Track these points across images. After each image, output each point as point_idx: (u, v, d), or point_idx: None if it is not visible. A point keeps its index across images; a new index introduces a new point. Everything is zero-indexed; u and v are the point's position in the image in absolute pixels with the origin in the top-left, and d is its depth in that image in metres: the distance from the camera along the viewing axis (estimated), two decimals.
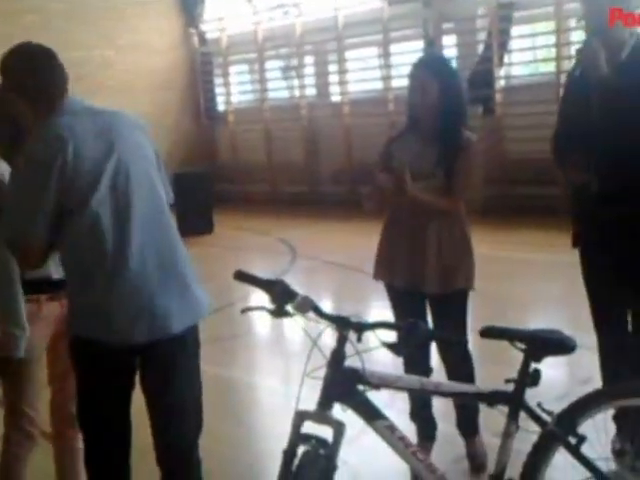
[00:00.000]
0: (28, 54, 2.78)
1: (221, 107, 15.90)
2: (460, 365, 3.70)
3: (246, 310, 2.72)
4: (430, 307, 3.71)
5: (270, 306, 2.64)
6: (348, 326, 2.55)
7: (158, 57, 15.44)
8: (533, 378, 2.62)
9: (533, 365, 2.62)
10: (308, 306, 2.56)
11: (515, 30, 11.59)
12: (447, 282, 3.61)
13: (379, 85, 13.31)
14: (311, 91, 14.51)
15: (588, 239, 3.65)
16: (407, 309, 3.62)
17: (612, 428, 3.63)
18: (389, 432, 2.61)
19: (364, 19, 12.92)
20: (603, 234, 3.53)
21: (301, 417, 2.54)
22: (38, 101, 2.74)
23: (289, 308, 2.58)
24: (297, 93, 14.50)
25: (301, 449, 2.52)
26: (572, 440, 2.67)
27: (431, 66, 3.65)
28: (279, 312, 2.61)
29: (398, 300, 3.75)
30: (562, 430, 2.66)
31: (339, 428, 2.51)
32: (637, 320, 3.61)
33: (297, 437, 2.53)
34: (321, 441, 2.52)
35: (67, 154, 2.60)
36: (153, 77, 15.37)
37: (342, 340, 2.55)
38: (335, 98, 13.97)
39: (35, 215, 2.62)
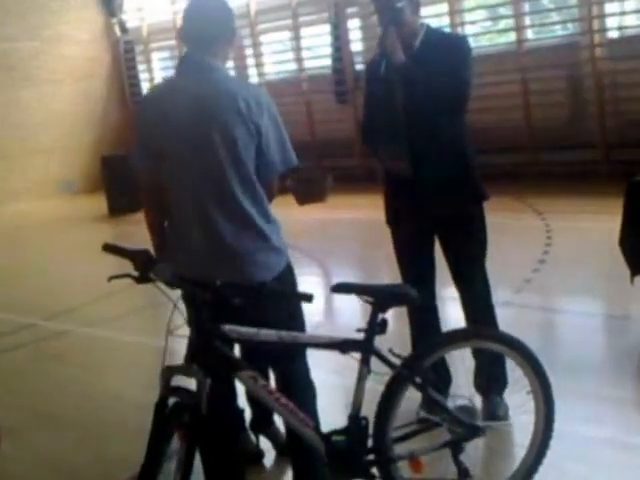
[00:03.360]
0: None
1: (145, 92, 15.71)
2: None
3: (113, 278, 2.74)
4: None
5: (135, 273, 2.67)
6: (205, 289, 2.63)
7: (82, 47, 15.17)
8: (381, 327, 2.74)
9: (381, 315, 2.76)
10: (167, 273, 2.63)
11: None
12: None
13: (293, 66, 13.37)
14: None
15: (399, 215, 3.79)
16: None
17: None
18: (252, 381, 2.70)
19: (274, 5, 12.94)
20: (414, 211, 3.68)
21: (170, 371, 2.61)
22: None
23: (151, 275, 2.65)
24: None
25: (171, 400, 2.60)
26: (419, 380, 2.83)
27: None
28: (142, 279, 2.67)
29: None
30: (409, 371, 2.80)
31: (203, 379, 2.58)
32: (448, 249, 3.78)
33: (167, 390, 2.60)
34: (189, 392, 2.59)
35: None
36: (78, 66, 15.12)
37: (201, 302, 2.63)
38: (252, 80, 13.95)
39: None
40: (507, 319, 4.01)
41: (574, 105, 10.23)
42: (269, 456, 3.70)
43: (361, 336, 2.74)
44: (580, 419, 3.57)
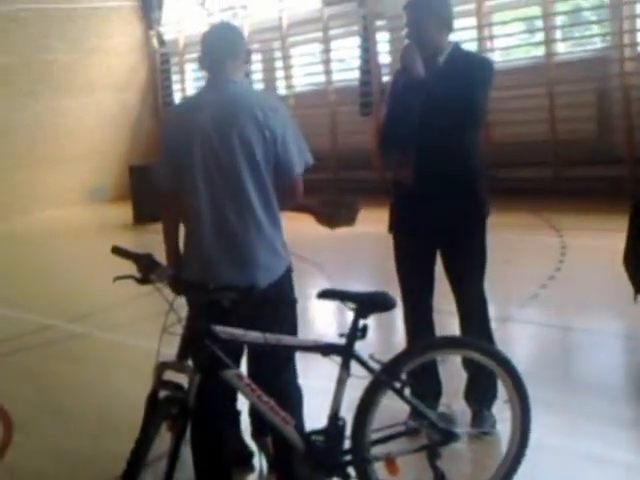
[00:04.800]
0: None
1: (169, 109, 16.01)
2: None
3: (117, 278, 2.90)
4: None
5: (138, 275, 2.87)
6: (198, 291, 2.83)
7: (120, 59, 15.57)
8: (362, 332, 2.89)
9: (362, 322, 2.90)
10: (166, 275, 2.85)
11: None
12: None
13: (322, 79, 13.62)
14: (259, 86, 14.72)
15: (403, 225, 3.93)
16: None
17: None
18: (237, 379, 2.87)
19: (306, 19, 13.20)
20: (416, 222, 3.81)
21: (162, 367, 2.79)
22: None
23: (152, 277, 2.86)
24: None
25: (162, 393, 2.78)
26: (397, 385, 2.97)
27: None
28: (144, 280, 2.88)
29: None
30: (388, 376, 2.93)
31: (193, 375, 2.76)
32: (448, 262, 3.90)
33: (158, 384, 2.78)
34: (178, 386, 2.78)
35: None
36: (116, 78, 15.49)
37: (194, 303, 2.83)
38: (281, 92, 14.22)
39: None
40: (505, 334, 4.11)
41: (601, 119, 10.26)
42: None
43: (343, 341, 2.91)
44: (560, 432, 3.67)
